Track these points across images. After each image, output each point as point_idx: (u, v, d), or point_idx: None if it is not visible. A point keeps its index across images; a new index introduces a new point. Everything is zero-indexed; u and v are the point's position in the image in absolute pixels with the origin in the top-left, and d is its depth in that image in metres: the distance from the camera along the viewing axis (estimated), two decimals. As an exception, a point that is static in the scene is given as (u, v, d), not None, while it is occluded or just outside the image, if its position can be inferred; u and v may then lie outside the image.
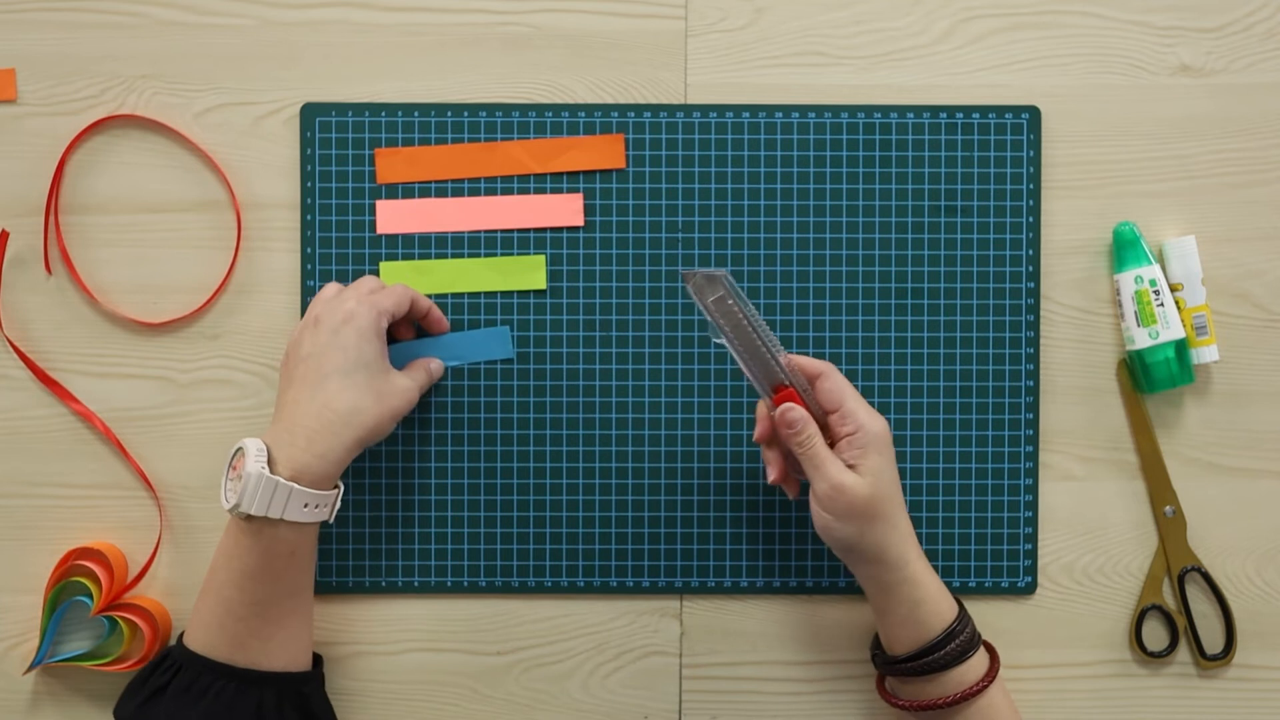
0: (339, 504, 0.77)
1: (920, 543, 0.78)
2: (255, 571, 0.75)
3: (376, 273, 0.86)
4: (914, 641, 0.78)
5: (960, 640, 0.77)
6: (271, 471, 0.74)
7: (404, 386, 0.80)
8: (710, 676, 0.87)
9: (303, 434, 0.75)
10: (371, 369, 0.77)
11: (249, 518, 0.74)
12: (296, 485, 0.74)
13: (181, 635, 0.78)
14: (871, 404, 0.85)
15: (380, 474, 0.87)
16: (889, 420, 0.85)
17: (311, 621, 0.81)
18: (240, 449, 0.75)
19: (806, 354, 0.86)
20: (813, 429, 0.77)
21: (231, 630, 0.76)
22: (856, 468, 0.76)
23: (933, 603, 0.78)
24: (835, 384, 0.78)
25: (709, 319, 0.77)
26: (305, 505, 0.75)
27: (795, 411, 0.77)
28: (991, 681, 0.78)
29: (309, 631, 0.80)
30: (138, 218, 0.87)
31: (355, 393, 0.76)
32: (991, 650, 0.81)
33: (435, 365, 0.85)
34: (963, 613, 0.79)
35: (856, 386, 0.86)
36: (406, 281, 0.86)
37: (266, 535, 0.75)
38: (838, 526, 0.76)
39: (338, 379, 0.76)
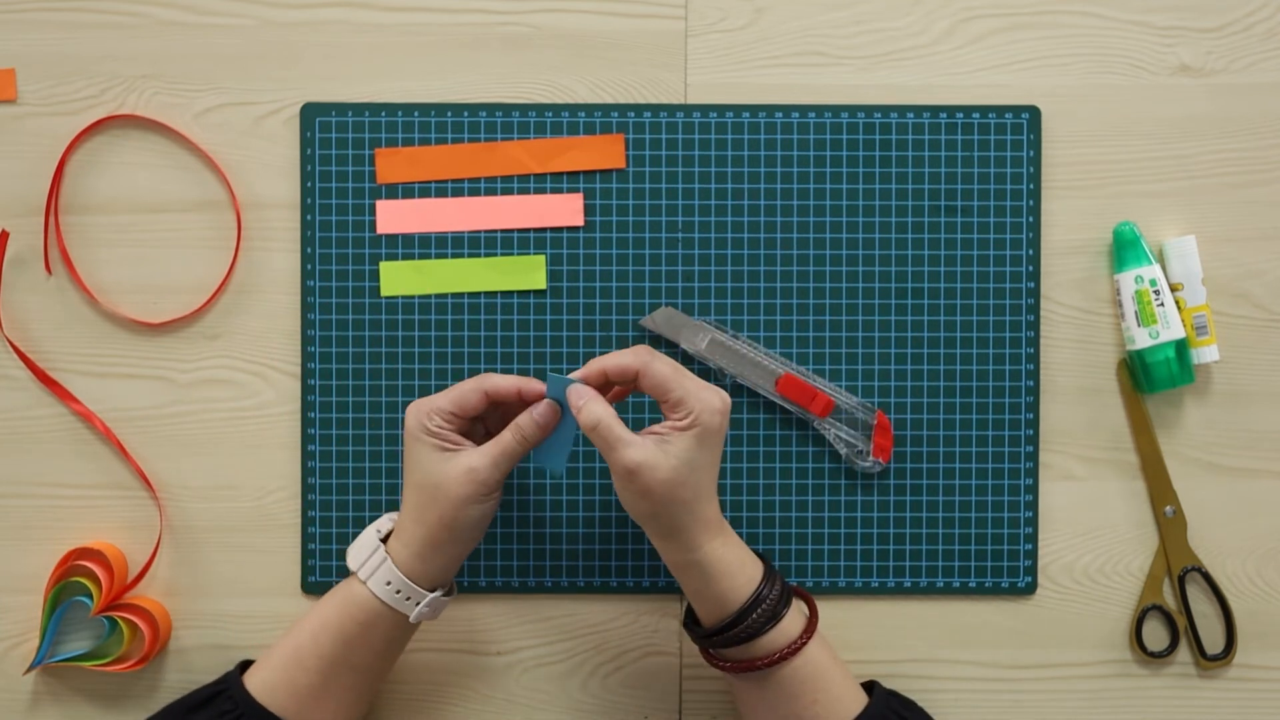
0: (424, 611, 0.77)
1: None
2: (330, 623, 0.77)
3: (377, 272, 0.86)
4: (713, 615, 0.76)
5: (761, 611, 0.75)
6: (385, 543, 0.77)
7: (459, 467, 0.75)
8: (710, 676, 0.87)
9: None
10: (423, 465, 0.76)
11: (350, 570, 0.78)
12: (389, 559, 0.76)
13: (240, 667, 0.80)
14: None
15: (381, 474, 0.87)
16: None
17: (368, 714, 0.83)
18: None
19: (806, 354, 0.86)
20: (599, 409, 0.73)
21: (292, 675, 0.77)
22: (666, 445, 0.73)
23: (727, 579, 0.75)
24: (655, 372, 0.74)
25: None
26: (388, 583, 0.76)
27: (582, 396, 0.74)
28: (807, 640, 0.76)
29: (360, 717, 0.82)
30: (138, 218, 0.87)
31: (409, 492, 0.77)
32: (811, 606, 0.78)
33: (527, 421, 0.76)
34: (766, 582, 0.75)
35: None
36: (406, 281, 0.86)
37: (347, 589, 0.77)
38: (635, 503, 0.74)
39: (405, 488, 0.78)
